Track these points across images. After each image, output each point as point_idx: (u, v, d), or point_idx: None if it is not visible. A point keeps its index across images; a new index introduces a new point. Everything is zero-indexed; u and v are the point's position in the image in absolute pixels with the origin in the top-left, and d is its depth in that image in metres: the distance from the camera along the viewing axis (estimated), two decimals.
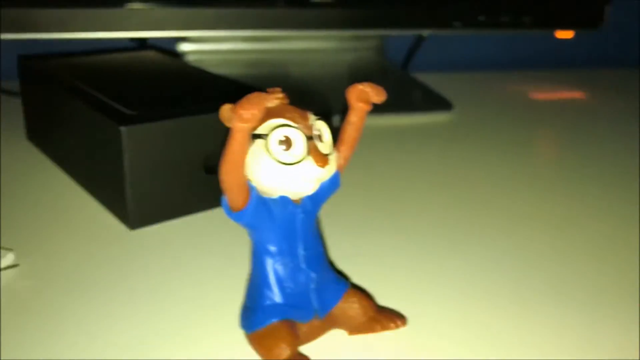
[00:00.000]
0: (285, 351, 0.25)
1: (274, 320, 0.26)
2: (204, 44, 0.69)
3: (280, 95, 0.25)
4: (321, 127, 0.26)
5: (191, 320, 0.29)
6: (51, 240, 0.35)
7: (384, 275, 0.32)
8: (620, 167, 0.48)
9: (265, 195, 0.25)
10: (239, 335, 0.27)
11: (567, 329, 0.29)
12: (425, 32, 0.68)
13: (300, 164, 0.24)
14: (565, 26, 0.66)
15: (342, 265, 0.33)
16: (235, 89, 0.43)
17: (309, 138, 0.25)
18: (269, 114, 0.25)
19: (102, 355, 0.26)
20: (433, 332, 0.28)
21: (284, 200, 0.25)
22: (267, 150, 0.24)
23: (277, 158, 0.24)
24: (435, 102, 0.62)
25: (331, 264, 0.29)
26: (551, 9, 0.65)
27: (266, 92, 0.25)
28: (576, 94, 0.72)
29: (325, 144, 0.26)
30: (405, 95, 0.64)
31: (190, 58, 0.68)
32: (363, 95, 0.26)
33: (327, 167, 0.25)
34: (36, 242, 0.35)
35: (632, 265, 0.34)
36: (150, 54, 0.54)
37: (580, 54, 0.85)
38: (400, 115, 0.59)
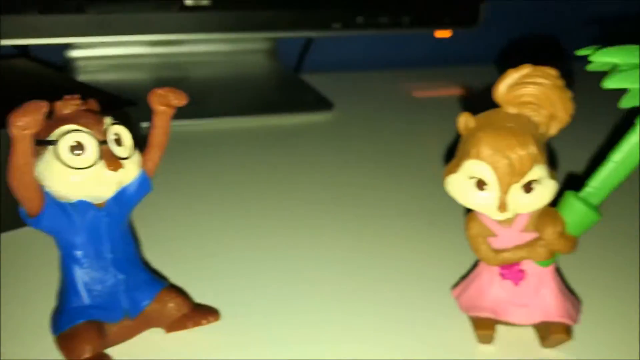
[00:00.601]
0: (86, 351, 0.26)
1: (79, 322, 0.26)
2: (91, 50, 0.69)
3: (77, 101, 0.26)
4: (119, 131, 0.26)
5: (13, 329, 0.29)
6: None
7: (205, 274, 0.33)
8: None
9: (62, 200, 0.26)
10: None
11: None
12: (306, 34, 0.70)
13: (91, 168, 0.25)
14: (443, 25, 0.69)
15: (173, 265, 0.34)
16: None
17: (102, 142, 0.25)
18: (63, 120, 0.25)
19: None
20: (248, 326, 0.29)
21: (83, 204, 0.26)
22: (57, 156, 0.24)
23: (68, 163, 0.25)
24: (316, 102, 0.64)
25: (146, 265, 0.29)
26: (429, 9, 0.68)
27: (63, 99, 0.26)
28: (456, 91, 0.75)
29: (124, 148, 0.26)
30: (288, 96, 0.65)
31: (78, 64, 0.67)
32: (164, 100, 0.27)
33: (120, 170, 0.25)
34: None
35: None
36: (19, 63, 0.53)
37: (461, 51, 0.88)
38: (281, 116, 0.60)
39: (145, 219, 0.35)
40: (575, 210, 0.26)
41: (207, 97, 0.62)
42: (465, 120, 0.26)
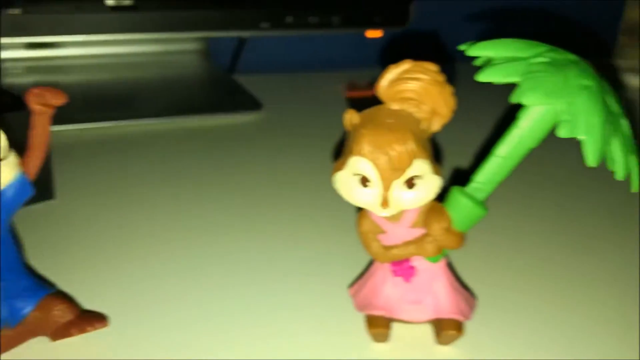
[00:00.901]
0: None
1: None
2: (18, 52, 0.67)
3: None
4: None
5: None
6: None
7: (96, 280, 0.32)
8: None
9: None
10: None
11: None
12: (234, 34, 0.69)
13: None
14: (373, 25, 0.69)
15: (66, 271, 0.33)
16: None
17: None
18: None
19: None
20: (139, 332, 0.28)
21: None
22: None
23: None
24: (245, 103, 0.63)
25: (30, 272, 0.28)
26: (359, 9, 0.68)
27: None
28: None
29: None
30: (217, 96, 0.65)
31: (5, 66, 0.65)
32: (41, 99, 0.26)
33: None
34: None
35: None
36: None
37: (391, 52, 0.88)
38: (208, 117, 0.59)
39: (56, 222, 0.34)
40: (460, 205, 0.26)
41: (136, 98, 0.61)
42: (349, 117, 0.26)
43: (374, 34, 0.70)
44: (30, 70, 0.65)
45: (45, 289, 0.28)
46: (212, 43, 0.75)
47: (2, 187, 0.26)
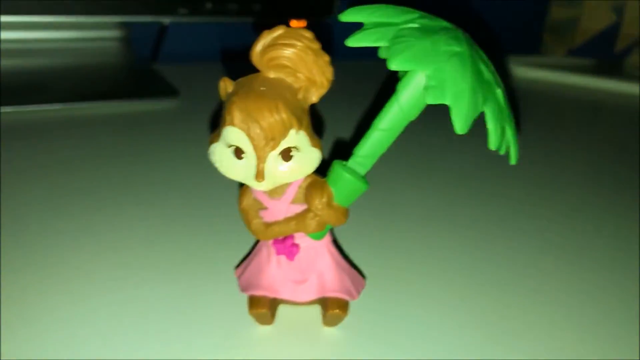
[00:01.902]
0: None
1: None
2: None
3: None
4: None
5: None
6: None
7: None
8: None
9: None
10: None
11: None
12: (151, 19, 0.67)
13: None
14: (296, 15, 0.68)
15: None
16: None
17: None
18: None
19: None
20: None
21: None
22: None
23: None
24: (162, 90, 0.61)
25: None
26: None
27: None
28: None
29: None
30: (134, 83, 0.63)
31: None
32: None
33: None
34: None
35: None
36: None
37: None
38: (123, 103, 0.57)
39: None
40: (342, 180, 0.25)
41: (51, 83, 0.58)
42: (223, 85, 0.25)
43: (297, 24, 0.69)
44: None
45: None
46: (134, 31, 0.73)
47: None
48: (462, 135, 0.22)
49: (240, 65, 0.75)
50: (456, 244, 0.36)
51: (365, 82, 0.55)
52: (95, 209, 0.37)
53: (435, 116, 0.28)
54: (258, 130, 0.23)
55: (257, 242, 0.29)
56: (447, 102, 0.22)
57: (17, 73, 0.61)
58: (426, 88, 0.22)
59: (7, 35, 0.66)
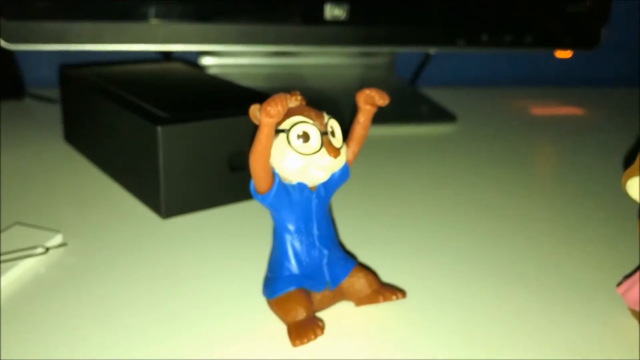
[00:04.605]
0: (301, 313, 0.29)
1: (292, 288, 0.30)
2: (224, 58, 0.74)
3: (299, 97, 0.30)
4: (333, 125, 0.30)
5: (216, 291, 0.33)
6: (93, 225, 0.40)
7: (387, 259, 0.37)
8: (616, 183, 0.51)
9: (285, 182, 0.30)
10: (263, 303, 0.31)
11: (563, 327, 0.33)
12: (432, 50, 0.73)
13: (315, 154, 0.29)
14: (564, 46, 0.71)
15: (351, 246, 0.37)
16: (252, 96, 0.48)
17: (323, 133, 0.29)
18: (290, 112, 0.29)
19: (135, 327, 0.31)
20: (428, 306, 0.32)
21: (301, 186, 0.30)
22: (289, 142, 0.29)
23: (297, 149, 0.29)
24: (439, 114, 0.67)
25: (341, 244, 0.33)
26: (551, 30, 0.70)
27: (287, 94, 0.30)
28: (575, 111, 0.76)
29: (337, 139, 0.30)
30: (411, 108, 0.69)
31: (211, 71, 0.73)
32: (369, 99, 0.31)
33: (338, 157, 0.29)
34: (80, 227, 0.39)
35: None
36: (176, 65, 0.59)
37: (578, 72, 0.90)
38: (407, 126, 0.64)
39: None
40: None
41: (329, 107, 0.66)
42: None
43: (563, 54, 0.72)
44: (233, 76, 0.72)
45: (354, 261, 0.32)
46: (397, 57, 0.80)
47: (335, 170, 0.31)
48: None
49: (507, 91, 0.80)
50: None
51: None
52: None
53: None
54: None
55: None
56: None
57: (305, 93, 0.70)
58: None
59: (280, 61, 0.75)
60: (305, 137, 0.29)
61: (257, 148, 0.28)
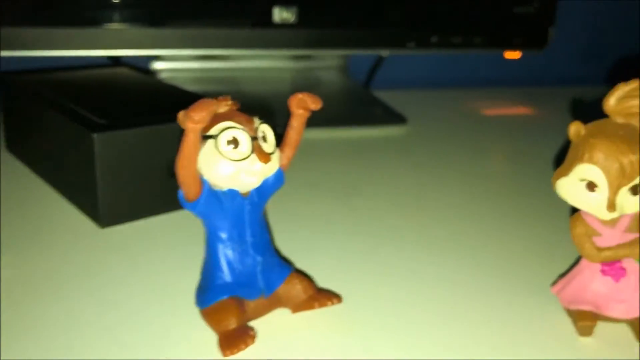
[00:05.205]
0: (232, 323, 0.29)
1: (224, 297, 0.29)
2: (175, 62, 0.73)
3: (229, 102, 0.29)
4: (265, 130, 0.30)
5: (151, 301, 0.32)
6: (31, 236, 0.39)
7: (324, 264, 0.36)
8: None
9: (216, 188, 0.29)
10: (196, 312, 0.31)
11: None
12: (384, 52, 0.73)
13: (245, 160, 0.28)
14: (513, 47, 0.72)
15: (288, 253, 0.37)
16: (196, 100, 0.47)
17: (254, 138, 0.29)
18: (220, 118, 0.29)
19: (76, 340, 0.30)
20: (364, 310, 0.32)
21: (232, 192, 0.29)
22: (217, 148, 0.28)
23: (226, 155, 0.28)
24: (389, 116, 0.67)
25: (277, 251, 0.33)
26: (500, 31, 0.70)
27: (216, 99, 0.29)
28: (524, 110, 0.77)
29: (269, 144, 0.30)
30: (362, 110, 0.69)
31: (162, 75, 0.72)
32: (302, 103, 0.31)
33: (269, 163, 0.29)
34: (18, 237, 0.38)
35: None
36: (122, 71, 0.58)
37: (526, 73, 0.91)
38: (357, 129, 0.64)
39: None
40: None
41: (281, 110, 0.66)
42: (576, 128, 0.29)
43: (512, 55, 0.72)
44: (183, 80, 0.71)
45: (290, 268, 0.32)
46: (350, 59, 0.80)
47: (268, 176, 0.30)
48: None
49: (458, 93, 0.80)
50: None
51: None
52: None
53: None
54: (617, 168, 0.27)
55: (576, 263, 0.33)
56: None
57: (248, 98, 0.69)
58: None
59: (232, 65, 0.75)
60: (235, 142, 0.28)
61: (183, 155, 0.27)
